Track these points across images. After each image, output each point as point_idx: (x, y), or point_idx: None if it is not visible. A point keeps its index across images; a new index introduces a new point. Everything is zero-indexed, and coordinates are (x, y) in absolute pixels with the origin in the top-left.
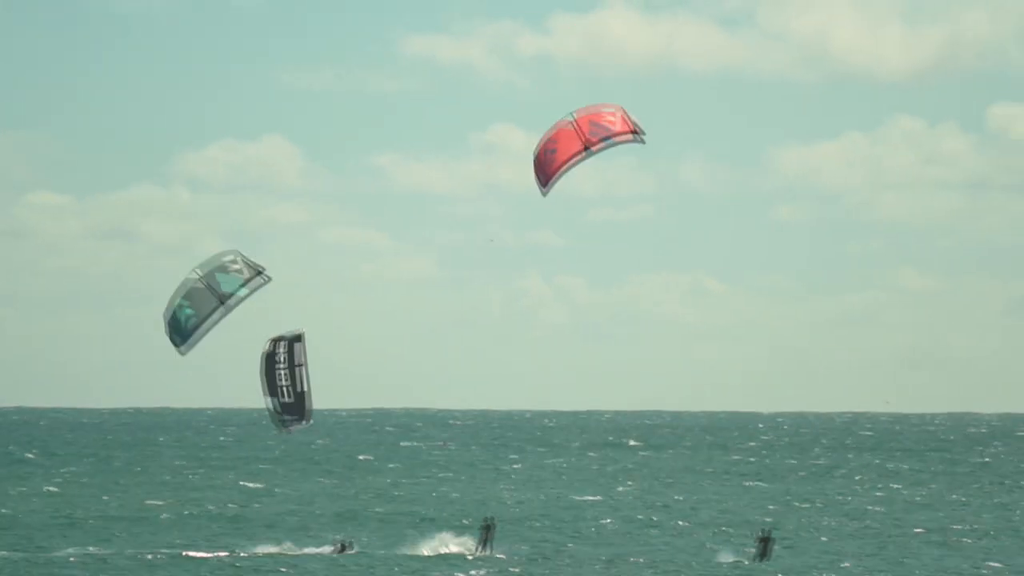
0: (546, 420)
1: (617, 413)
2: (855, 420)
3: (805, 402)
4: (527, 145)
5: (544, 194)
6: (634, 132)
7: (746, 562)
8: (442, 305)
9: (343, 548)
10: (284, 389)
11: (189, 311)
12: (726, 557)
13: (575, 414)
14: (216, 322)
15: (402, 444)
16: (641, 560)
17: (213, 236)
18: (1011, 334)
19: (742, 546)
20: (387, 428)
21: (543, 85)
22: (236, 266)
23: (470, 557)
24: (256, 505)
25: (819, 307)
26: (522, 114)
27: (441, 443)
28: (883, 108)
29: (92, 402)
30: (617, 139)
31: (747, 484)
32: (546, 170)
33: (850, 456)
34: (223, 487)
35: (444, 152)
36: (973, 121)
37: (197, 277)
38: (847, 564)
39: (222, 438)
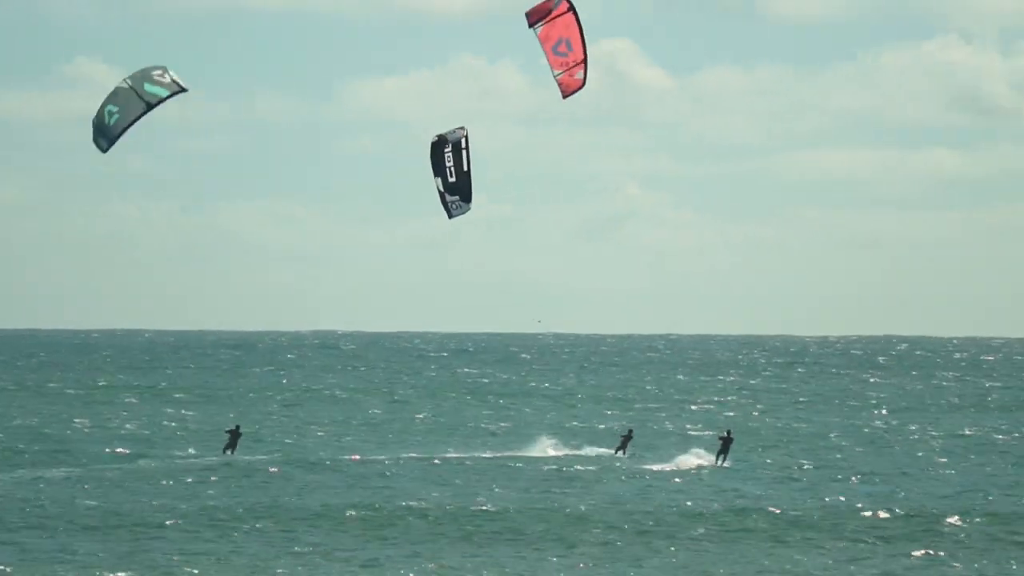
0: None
1: (212, 332)
2: (414, 337)
3: (381, 323)
4: (110, 77)
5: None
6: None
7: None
8: (35, 232)
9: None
10: (450, 170)
11: (115, 111)
12: None
13: (174, 333)
14: (136, 120)
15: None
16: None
17: None
18: (573, 256)
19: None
20: None
21: (124, 21)
22: (163, 79)
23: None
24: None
25: (397, 232)
26: (104, 48)
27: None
28: (447, 46)
29: None
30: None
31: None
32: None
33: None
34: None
35: (30, 82)
36: (527, 59)
37: (127, 86)
38: None
39: None
